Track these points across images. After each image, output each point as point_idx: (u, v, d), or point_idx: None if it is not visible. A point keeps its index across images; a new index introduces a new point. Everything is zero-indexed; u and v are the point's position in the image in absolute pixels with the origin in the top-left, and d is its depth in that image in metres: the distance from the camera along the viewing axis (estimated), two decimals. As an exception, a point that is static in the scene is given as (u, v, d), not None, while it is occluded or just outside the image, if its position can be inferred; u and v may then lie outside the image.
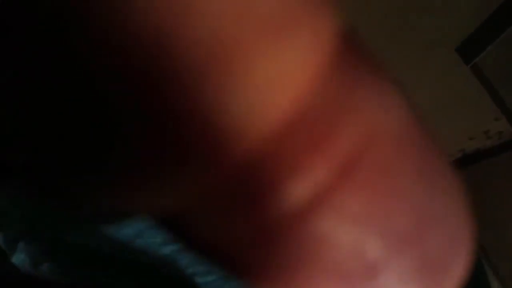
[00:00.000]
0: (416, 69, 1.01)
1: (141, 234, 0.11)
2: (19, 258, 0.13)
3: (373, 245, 0.11)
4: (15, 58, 0.08)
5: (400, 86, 0.12)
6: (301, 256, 0.11)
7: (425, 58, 1.04)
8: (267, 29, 0.09)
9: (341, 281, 0.11)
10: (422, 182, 0.12)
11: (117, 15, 0.08)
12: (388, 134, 0.11)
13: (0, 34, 0.08)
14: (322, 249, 0.11)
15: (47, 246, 0.11)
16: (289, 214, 0.10)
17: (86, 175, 0.10)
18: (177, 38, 0.08)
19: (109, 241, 0.11)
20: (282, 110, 0.10)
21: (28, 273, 0.12)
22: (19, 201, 0.12)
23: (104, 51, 0.08)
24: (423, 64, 1.04)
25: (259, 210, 0.10)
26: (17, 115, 0.09)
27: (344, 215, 0.11)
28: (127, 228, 0.11)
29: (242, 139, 0.09)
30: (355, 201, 0.11)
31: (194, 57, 0.08)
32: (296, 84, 0.10)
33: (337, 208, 0.11)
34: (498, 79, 1.01)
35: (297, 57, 0.09)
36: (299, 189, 0.10)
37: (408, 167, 0.12)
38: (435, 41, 1.02)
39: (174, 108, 0.09)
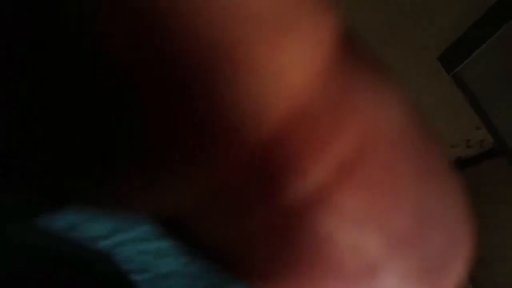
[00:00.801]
0: (398, 76, 1.02)
1: (75, 226, 0.10)
2: None
3: (373, 244, 0.11)
4: (20, 56, 0.08)
5: (400, 86, 0.12)
6: (302, 255, 0.11)
7: (408, 66, 1.04)
8: (267, 28, 0.09)
9: (342, 280, 0.11)
10: (421, 182, 0.12)
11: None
12: (388, 134, 0.11)
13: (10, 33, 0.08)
14: (323, 248, 0.11)
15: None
16: (291, 213, 0.10)
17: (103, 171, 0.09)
18: (191, 30, 0.08)
19: (43, 234, 0.11)
20: (286, 105, 0.10)
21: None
22: None
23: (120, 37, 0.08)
24: (406, 72, 1.04)
25: (262, 210, 0.10)
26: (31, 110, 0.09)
27: (344, 214, 0.11)
28: (61, 220, 0.10)
29: (247, 134, 0.09)
30: (355, 201, 0.11)
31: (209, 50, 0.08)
32: (297, 80, 0.10)
33: (338, 208, 0.11)
34: (479, 89, 1.01)
35: (298, 55, 0.09)
36: (301, 188, 0.10)
37: (408, 167, 0.11)
38: (418, 49, 1.02)
39: (194, 99, 0.09)
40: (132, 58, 0.08)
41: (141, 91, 0.09)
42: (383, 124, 0.11)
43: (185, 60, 0.08)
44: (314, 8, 0.10)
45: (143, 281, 0.10)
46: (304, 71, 0.10)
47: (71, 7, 0.08)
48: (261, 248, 0.11)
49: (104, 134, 0.09)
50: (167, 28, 0.08)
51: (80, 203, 0.11)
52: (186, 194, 0.10)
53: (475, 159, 1.26)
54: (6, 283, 0.11)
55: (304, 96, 0.10)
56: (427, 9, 0.95)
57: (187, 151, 0.09)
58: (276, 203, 0.10)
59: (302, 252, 0.11)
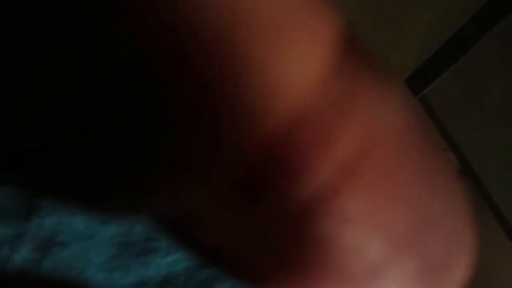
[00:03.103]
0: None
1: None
2: None
3: (375, 246, 0.11)
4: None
5: (401, 88, 0.12)
6: (304, 256, 0.11)
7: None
8: (273, 31, 0.09)
9: (343, 281, 0.11)
10: (422, 184, 0.12)
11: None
12: (390, 135, 0.11)
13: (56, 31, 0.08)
14: (325, 250, 0.11)
15: None
16: (293, 214, 0.10)
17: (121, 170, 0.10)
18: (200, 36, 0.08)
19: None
20: (290, 105, 0.10)
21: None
22: None
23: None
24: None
25: (264, 210, 0.10)
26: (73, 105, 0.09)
27: (346, 216, 0.11)
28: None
29: (253, 134, 0.10)
30: (357, 202, 0.11)
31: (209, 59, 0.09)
32: (300, 81, 0.10)
33: (340, 210, 0.11)
34: (444, 111, 1.03)
35: (301, 57, 0.10)
36: (303, 189, 0.10)
37: (409, 168, 0.11)
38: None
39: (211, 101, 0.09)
40: (159, 59, 0.08)
41: (168, 90, 0.09)
42: (385, 125, 0.11)
43: (200, 62, 0.09)
44: (316, 10, 0.10)
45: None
46: (307, 72, 0.10)
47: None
48: (264, 248, 0.11)
49: (134, 137, 0.09)
50: (186, 33, 0.08)
51: (96, 204, 0.10)
52: (192, 194, 0.10)
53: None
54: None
55: (307, 97, 0.10)
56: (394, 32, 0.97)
57: (201, 151, 0.09)
58: (280, 204, 0.10)
59: (305, 253, 0.11)
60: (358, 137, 0.11)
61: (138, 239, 0.11)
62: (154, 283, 0.11)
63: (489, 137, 0.93)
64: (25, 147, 0.10)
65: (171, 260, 0.11)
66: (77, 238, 0.11)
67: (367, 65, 0.11)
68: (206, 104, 0.09)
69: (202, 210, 0.11)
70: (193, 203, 0.10)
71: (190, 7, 0.08)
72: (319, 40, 0.10)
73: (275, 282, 0.11)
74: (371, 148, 0.11)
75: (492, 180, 0.88)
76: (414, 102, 1.07)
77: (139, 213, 0.11)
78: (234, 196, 0.10)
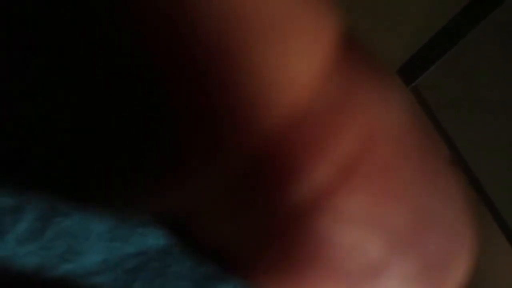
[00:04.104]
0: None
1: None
2: None
3: (374, 245, 0.11)
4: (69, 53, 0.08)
5: (400, 86, 0.12)
6: (303, 256, 0.11)
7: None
8: (272, 30, 0.09)
9: (342, 281, 0.11)
10: (423, 183, 0.12)
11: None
12: (388, 135, 0.11)
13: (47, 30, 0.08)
14: (324, 249, 0.11)
15: None
16: (292, 214, 0.10)
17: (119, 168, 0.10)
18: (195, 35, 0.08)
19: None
20: (288, 105, 0.10)
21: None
22: None
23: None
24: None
25: (263, 210, 0.10)
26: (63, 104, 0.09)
27: (344, 215, 0.11)
28: None
29: (251, 134, 0.09)
30: (356, 201, 0.11)
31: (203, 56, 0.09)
32: (299, 81, 0.10)
33: (338, 209, 0.11)
34: (436, 101, 1.04)
35: (299, 55, 0.10)
36: (302, 189, 0.10)
37: (409, 167, 0.12)
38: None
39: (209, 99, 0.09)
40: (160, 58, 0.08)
41: (167, 90, 0.09)
42: (385, 124, 0.11)
43: (201, 62, 0.09)
44: (315, 8, 0.10)
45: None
46: (307, 72, 0.10)
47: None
48: (264, 248, 0.11)
49: (129, 134, 0.09)
50: (184, 32, 0.08)
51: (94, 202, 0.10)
52: (192, 195, 0.10)
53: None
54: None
55: (307, 97, 0.10)
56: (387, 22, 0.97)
57: (201, 151, 0.09)
58: (278, 204, 0.10)
59: (303, 253, 0.11)
60: (358, 137, 0.11)
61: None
62: (153, 252, 0.11)
63: (484, 131, 0.93)
64: (25, 147, 0.10)
65: (169, 230, 0.12)
66: (78, 208, 0.11)
67: (367, 65, 0.11)
68: (206, 104, 0.09)
69: (202, 210, 0.11)
70: (193, 203, 0.11)
71: (191, 7, 0.08)
72: (320, 40, 0.10)
73: (275, 281, 0.11)
74: (371, 148, 0.11)
75: (486, 176, 0.88)
76: (408, 94, 1.07)
77: (139, 213, 0.11)
78: (234, 196, 0.10)
